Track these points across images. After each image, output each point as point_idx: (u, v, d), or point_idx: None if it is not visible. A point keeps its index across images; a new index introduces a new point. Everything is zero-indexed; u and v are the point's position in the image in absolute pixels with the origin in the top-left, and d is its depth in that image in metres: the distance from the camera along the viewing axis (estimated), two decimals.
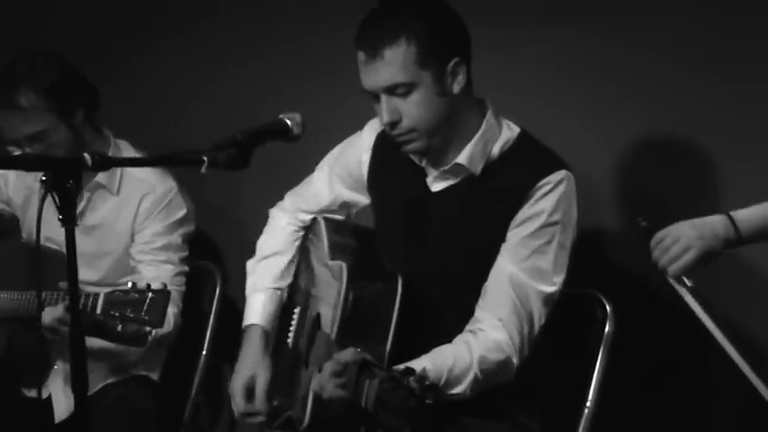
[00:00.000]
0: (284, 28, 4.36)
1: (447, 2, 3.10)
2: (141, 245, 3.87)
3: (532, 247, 3.05)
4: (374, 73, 3.02)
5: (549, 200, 3.06)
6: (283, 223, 3.51)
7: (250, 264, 3.51)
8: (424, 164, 3.18)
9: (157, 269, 3.82)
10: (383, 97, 3.04)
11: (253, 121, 2.82)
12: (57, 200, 2.51)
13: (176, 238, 3.90)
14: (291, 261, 3.47)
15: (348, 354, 2.75)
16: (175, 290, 3.78)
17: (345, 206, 3.45)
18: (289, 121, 2.85)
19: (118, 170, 3.87)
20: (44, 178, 2.51)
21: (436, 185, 3.18)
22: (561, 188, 3.08)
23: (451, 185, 3.16)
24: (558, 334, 3.21)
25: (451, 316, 3.10)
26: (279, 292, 3.44)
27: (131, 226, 3.88)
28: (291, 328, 3.40)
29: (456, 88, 3.06)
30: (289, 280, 3.46)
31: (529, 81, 3.84)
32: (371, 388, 2.59)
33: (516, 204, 3.05)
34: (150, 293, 3.31)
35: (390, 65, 3.00)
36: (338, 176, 3.41)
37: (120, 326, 3.36)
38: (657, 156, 3.71)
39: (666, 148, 3.70)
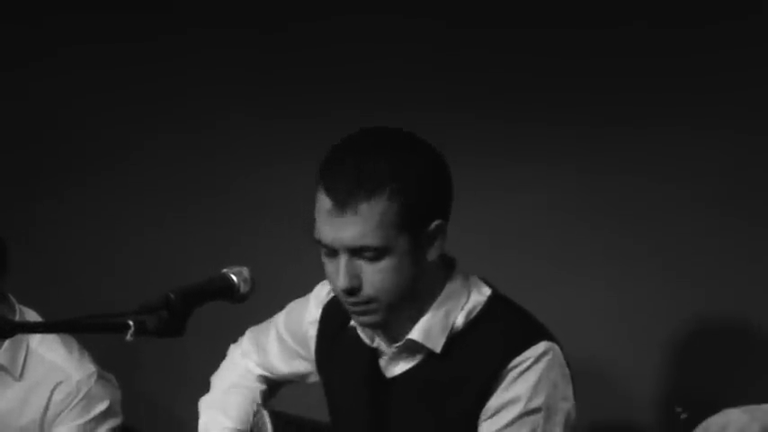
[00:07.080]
0: (227, 164, 4.23)
1: (438, 151, 2.80)
2: None
3: None
4: (341, 228, 2.71)
5: (526, 381, 2.75)
6: (241, 362, 3.21)
7: (203, 402, 3.16)
8: (375, 343, 2.91)
9: None
10: (344, 257, 2.73)
11: (190, 278, 2.62)
12: None
13: None
14: (250, 399, 3.13)
15: None
16: None
17: (297, 375, 3.17)
18: (234, 277, 2.64)
19: (22, 350, 3.55)
20: None
21: (392, 369, 2.89)
22: (542, 365, 2.76)
23: (410, 368, 2.87)
24: None
25: None
26: None
27: (40, 422, 3.55)
28: None
29: (433, 254, 2.77)
30: (247, 423, 3.11)
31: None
32: None
33: (487, 389, 2.76)
34: None
35: (364, 223, 2.69)
36: (288, 346, 3.15)
37: None
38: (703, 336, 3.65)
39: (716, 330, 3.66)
